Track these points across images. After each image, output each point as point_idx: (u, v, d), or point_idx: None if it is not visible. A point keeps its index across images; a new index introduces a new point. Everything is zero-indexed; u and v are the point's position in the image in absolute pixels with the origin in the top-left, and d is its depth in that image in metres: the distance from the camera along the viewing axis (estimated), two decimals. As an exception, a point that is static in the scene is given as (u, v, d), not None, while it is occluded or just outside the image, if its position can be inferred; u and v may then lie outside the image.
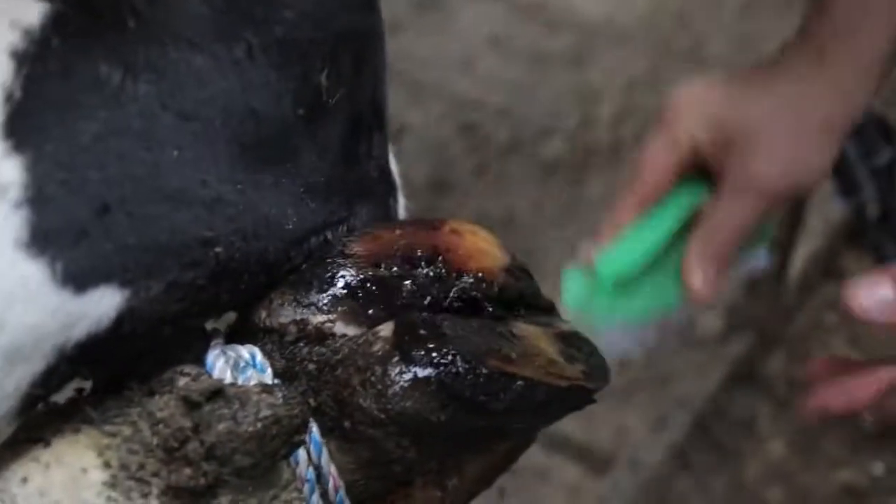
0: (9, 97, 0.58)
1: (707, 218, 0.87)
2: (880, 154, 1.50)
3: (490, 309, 0.72)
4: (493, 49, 2.05)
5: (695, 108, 0.87)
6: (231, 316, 0.70)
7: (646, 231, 0.84)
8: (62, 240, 0.58)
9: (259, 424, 0.62)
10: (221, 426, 0.62)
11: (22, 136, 0.58)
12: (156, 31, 0.63)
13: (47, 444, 0.61)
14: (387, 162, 0.79)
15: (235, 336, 0.70)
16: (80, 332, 0.59)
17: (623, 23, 2.07)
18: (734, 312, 1.75)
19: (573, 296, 0.81)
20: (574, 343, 0.74)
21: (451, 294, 0.71)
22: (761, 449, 1.68)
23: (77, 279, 0.58)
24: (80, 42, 0.61)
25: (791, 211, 1.72)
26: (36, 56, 0.60)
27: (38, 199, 0.58)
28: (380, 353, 0.67)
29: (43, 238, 0.57)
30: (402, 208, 0.81)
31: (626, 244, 0.84)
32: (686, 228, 0.87)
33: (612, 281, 0.81)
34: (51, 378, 0.59)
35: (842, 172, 1.51)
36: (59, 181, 0.58)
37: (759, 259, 0.90)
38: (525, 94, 2.02)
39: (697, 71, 2.04)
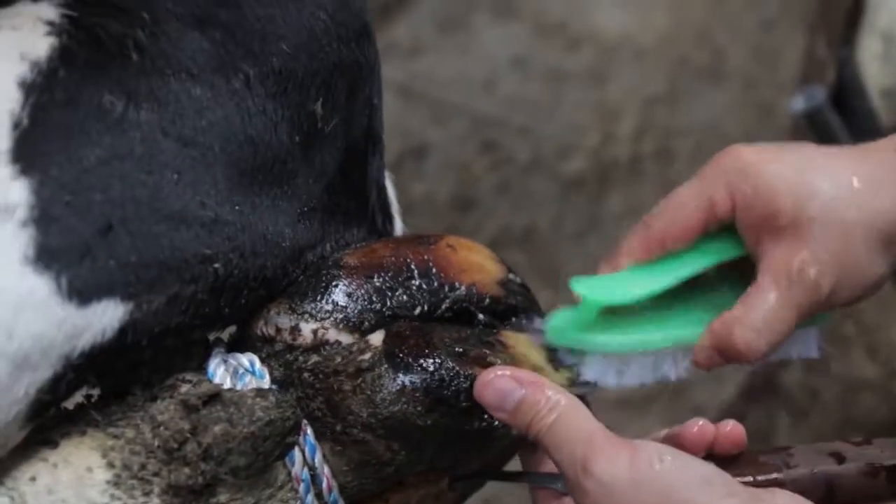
0: (16, 125, 0.64)
1: (737, 308, 0.75)
2: None
3: (481, 317, 0.76)
4: (514, 69, 2.08)
5: (743, 173, 0.75)
6: (234, 329, 0.75)
7: (652, 273, 0.77)
8: (67, 256, 0.63)
9: (253, 426, 0.67)
10: (217, 428, 0.66)
11: (29, 160, 0.63)
12: (158, 64, 0.68)
13: (55, 445, 0.66)
14: (384, 185, 0.84)
15: (237, 346, 0.74)
16: (85, 342, 0.64)
17: (642, 40, 2.11)
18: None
19: (555, 327, 0.76)
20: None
21: (444, 305, 0.76)
22: (780, 459, 1.70)
23: (81, 293, 0.63)
24: (86, 73, 0.66)
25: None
26: (43, 87, 0.65)
27: (43, 218, 0.63)
28: (370, 360, 0.71)
29: (48, 255, 0.62)
30: (398, 229, 0.85)
31: (627, 280, 0.77)
32: (704, 278, 0.78)
33: (598, 310, 0.75)
34: (58, 385, 0.64)
35: None
36: (63, 202, 0.63)
37: (808, 346, 0.79)
38: (546, 113, 2.06)
39: (716, 86, 2.07)
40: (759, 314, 0.74)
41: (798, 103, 1.49)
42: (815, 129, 1.48)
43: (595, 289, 0.76)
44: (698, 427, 0.72)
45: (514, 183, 1.99)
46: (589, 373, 0.75)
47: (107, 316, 0.65)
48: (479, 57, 2.13)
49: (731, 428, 0.73)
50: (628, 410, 1.72)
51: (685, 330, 0.77)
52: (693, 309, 0.78)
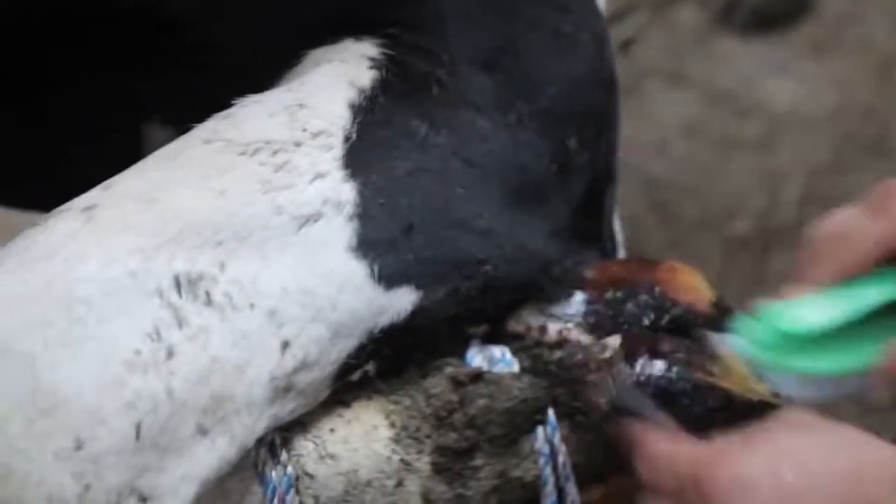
0: (347, 138, 0.78)
1: None
2: None
3: (695, 332, 0.88)
4: (684, 134, 2.21)
5: None
6: (486, 328, 0.88)
7: (841, 298, 0.83)
8: (379, 248, 0.77)
9: (509, 402, 0.80)
10: (481, 402, 0.79)
11: (355, 167, 0.77)
12: (453, 98, 0.82)
13: (348, 405, 0.80)
14: (613, 218, 0.97)
15: (489, 341, 0.87)
16: (384, 319, 0.77)
17: (810, 112, 2.21)
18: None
19: (755, 342, 0.82)
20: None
21: (665, 319, 0.88)
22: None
23: (388, 279, 0.77)
24: (399, 101, 0.80)
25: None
26: (367, 109, 0.79)
27: (364, 215, 0.76)
28: (609, 358, 0.84)
29: (366, 245, 0.76)
30: (621, 256, 0.98)
31: (818, 305, 0.84)
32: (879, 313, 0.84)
33: (799, 335, 0.82)
34: (361, 353, 0.77)
35: None
36: (378, 203, 0.77)
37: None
38: (714, 176, 2.17)
39: (881, 160, 2.17)
40: None
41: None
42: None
43: (786, 316, 0.82)
44: None
45: (682, 240, 2.10)
46: (784, 388, 0.86)
47: (403, 300, 0.78)
48: (651, 121, 2.25)
49: None
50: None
51: (867, 353, 0.83)
52: (872, 331, 0.83)
